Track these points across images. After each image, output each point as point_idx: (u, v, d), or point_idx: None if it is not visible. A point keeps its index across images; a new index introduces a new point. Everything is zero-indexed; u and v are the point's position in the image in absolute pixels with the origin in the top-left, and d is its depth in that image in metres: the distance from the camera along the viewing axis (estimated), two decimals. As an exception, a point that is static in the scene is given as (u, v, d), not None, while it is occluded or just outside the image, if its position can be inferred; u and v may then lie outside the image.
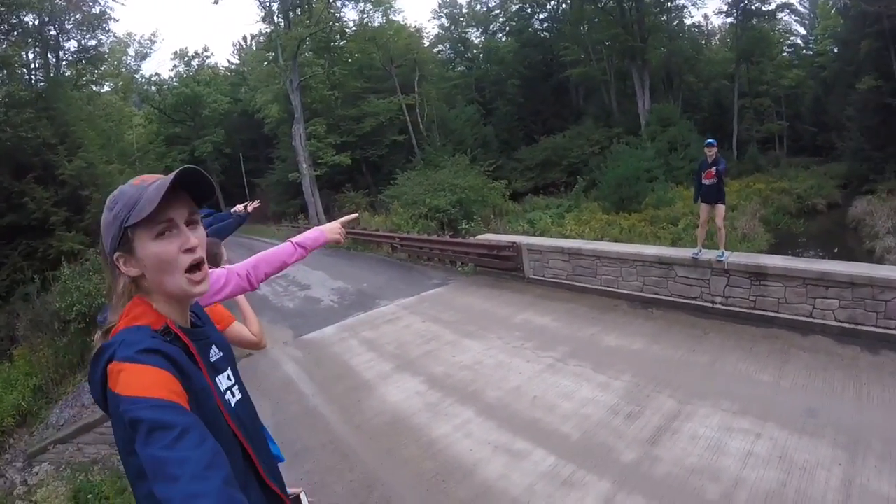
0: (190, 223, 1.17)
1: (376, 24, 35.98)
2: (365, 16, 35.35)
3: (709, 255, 7.04)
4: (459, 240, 12.57)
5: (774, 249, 17.18)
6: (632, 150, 26.21)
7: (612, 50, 35.38)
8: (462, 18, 46.61)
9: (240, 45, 51.92)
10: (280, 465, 1.97)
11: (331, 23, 31.47)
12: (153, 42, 37.85)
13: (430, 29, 47.81)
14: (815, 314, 6.08)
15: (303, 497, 1.53)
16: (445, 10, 46.11)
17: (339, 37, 34.07)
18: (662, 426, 4.37)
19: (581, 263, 8.73)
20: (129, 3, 61.27)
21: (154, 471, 0.89)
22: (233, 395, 1.29)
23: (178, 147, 42.59)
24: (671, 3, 35.88)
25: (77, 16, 22.85)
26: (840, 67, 33.64)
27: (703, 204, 7.16)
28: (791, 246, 19.03)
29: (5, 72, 19.29)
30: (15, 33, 19.98)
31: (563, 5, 40.10)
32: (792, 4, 39.53)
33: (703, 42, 44.76)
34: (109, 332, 1.14)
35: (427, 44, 43.26)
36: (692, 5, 37.35)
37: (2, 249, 16.07)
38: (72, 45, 23.84)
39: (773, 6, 35.29)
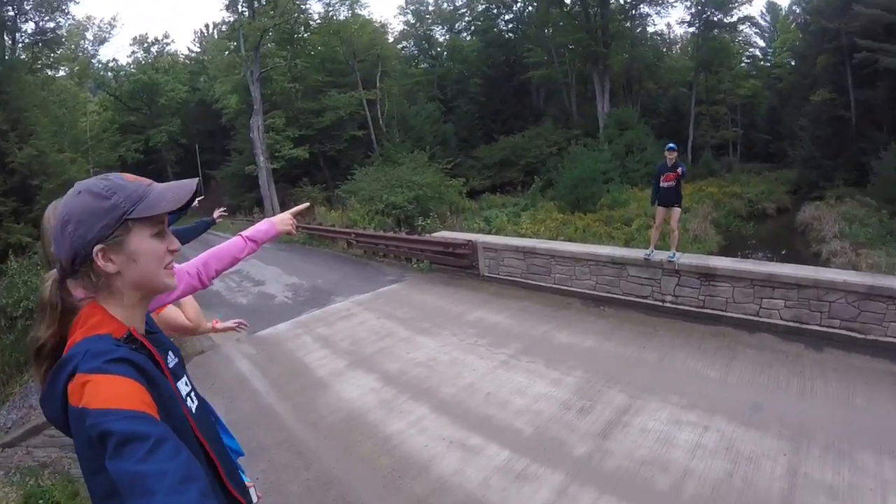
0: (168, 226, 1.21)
1: (342, 17, 35.55)
2: (330, 9, 34.90)
3: (660, 255, 7.29)
4: (415, 237, 12.61)
5: (725, 251, 17.79)
6: (589, 152, 26.71)
7: (575, 53, 36.00)
8: (428, 16, 46.52)
9: (201, 32, 50.61)
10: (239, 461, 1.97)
11: (296, 14, 30.96)
12: (112, 26, 36.46)
13: (396, 25, 47.95)
14: (762, 313, 6.41)
15: (252, 492, 1.49)
16: (412, 7, 45.96)
17: (303, 29, 33.56)
18: (613, 420, 4.53)
19: (535, 262, 8.89)
20: (90, -15, 58.72)
21: (129, 486, 0.84)
22: (192, 400, 1.29)
23: (132, 136, 41.13)
24: (635, 10, 36.72)
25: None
26: (796, 80, 35.24)
27: (659, 206, 7.37)
28: (741, 248, 19.79)
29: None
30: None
31: (529, 7, 40.44)
32: (753, 17, 41.47)
33: (665, 50, 46.11)
34: (43, 338, 1.12)
35: (391, 39, 43.12)
36: (656, 14, 38.61)
37: (-54, 241, 15.32)
38: (29, 26, 22.99)
39: (734, 18, 36.63)
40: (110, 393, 0.94)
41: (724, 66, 37.80)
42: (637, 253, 7.77)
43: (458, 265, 10.48)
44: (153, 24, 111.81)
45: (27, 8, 22.10)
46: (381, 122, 34.75)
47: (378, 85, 34.68)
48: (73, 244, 1.07)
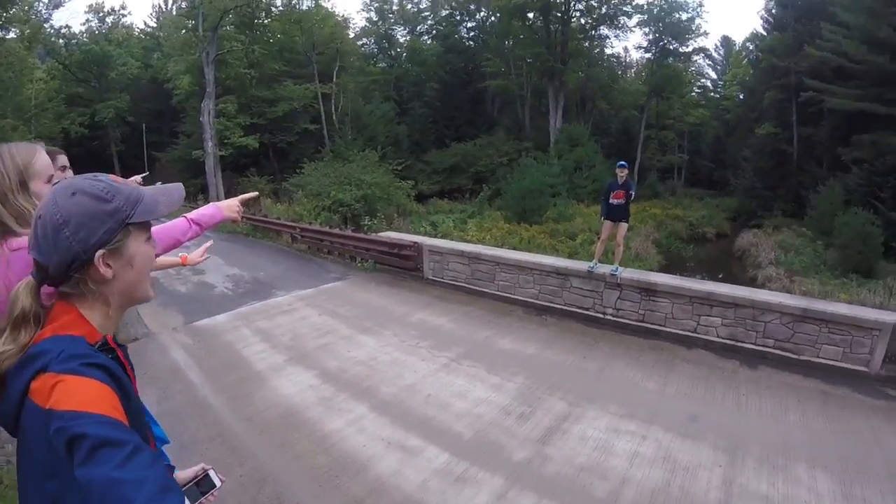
0: None
1: (304, 6, 34.95)
2: (295, -4, 34.33)
3: (604, 269, 7.56)
4: (361, 235, 12.55)
5: (664, 270, 18.32)
6: (539, 165, 27.27)
7: (533, 67, 36.84)
8: (391, 15, 46.39)
9: (160, 7, 48.59)
10: (168, 453, 1.92)
11: (259, -1, 30.27)
12: None
13: (358, 21, 47.37)
14: (700, 330, 6.76)
15: (212, 474, 1.48)
16: (375, 5, 45.69)
17: (264, 14, 32.77)
18: (553, 427, 4.65)
19: (480, 268, 9.02)
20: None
21: (102, 492, 0.80)
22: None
23: (78, 109, 38.80)
24: (595, 31, 37.90)
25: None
26: (743, 112, 37.28)
27: (606, 221, 7.66)
28: (680, 269, 20.56)
29: None
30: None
31: (492, 18, 41.01)
32: (707, 50, 43.70)
33: (620, 73, 47.80)
34: (19, 331, 1.04)
35: (352, 35, 42.65)
36: (615, 37, 40.03)
37: None
38: None
39: (689, 49, 38.29)
40: (84, 396, 0.91)
41: (675, 93, 39.59)
42: (581, 265, 8.02)
43: (402, 266, 10.50)
44: None
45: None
46: (334, 117, 34.33)
47: (335, 79, 34.27)
48: (71, 249, 1.01)
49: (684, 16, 36.21)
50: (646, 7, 36.22)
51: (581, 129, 33.83)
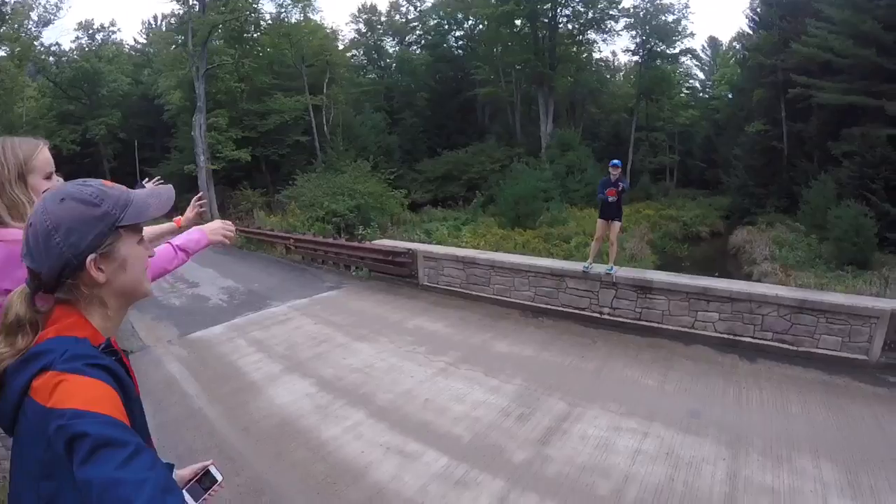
0: None
1: (293, 20, 35.08)
2: (282, 10, 34.37)
3: (599, 268, 7.53)
4: (355, 244, 12.51)
5: (659, 270, 18.34)
6: (531, 170, 27.35)
7: (522, 74, 37.01)
8: (380, 26, 46.72)
9: (149, 23, 48.54)
10: None
11: (247, 12, 30.25)
12: (59, 8, 33.97)
13: (347, 32, 47.60)
14: (697, 325, 6.73)
15: (213, 470, 1.46)
16: (364, 16, 46.04)
17: (253, 28, 32.79)
18: (553, 427, 4.59)
19: (475, 272, 8.99)
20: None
21: (101, 492, 0.79)
22: None
23: (69, 126, 38.60)
24: (583, 36, 38.17)
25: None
26: (733, 111, 37.24)
27: (599, 220, 7.65)
28: (675, 268, 20.37)
29: None
30: None
31: (480, 26, 41.21)
32: (694, 50, 43.80)
33: (609, 76, 47.95)
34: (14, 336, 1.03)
35: (341, 47, 42.73)
36: (602, 41, 40.14)
37: None
38: None
39: (676, 50, 38.67)
40: (88, 395, 0.90)
41: (664, 95, 39.83)
42: (576, 265, 8.00)
43: (397, 274, 10.46)
44: (100, 10, 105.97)
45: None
46: (325, 129, 34.37)
47: (325, 91, 34.31)
48: (62, 255, 1.01)
49: (670, 18, 36.65)
50: (632, 10, 36.66)
51: (572, 134, 33.97)
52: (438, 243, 18.28)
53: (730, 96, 41.61)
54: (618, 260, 7.93)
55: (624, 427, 4.55)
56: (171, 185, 1.21)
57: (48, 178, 1.79)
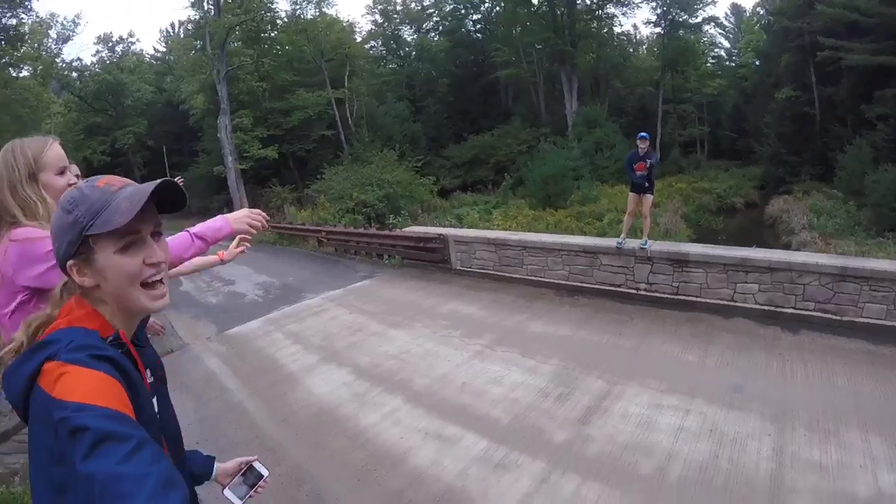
0: (155, 234, 1.09)
1: (309, 16, 35.16)
2: (297, 7, 34.48)
3: (633, 244, 7.33)
4: (386, 232, 12.50)
5: (695, 243, 17.98)
6: (558, 150, 26.98)
7: (543, 53, 36.23)
8: (396, 16, 46.43)
9: (167, 31, 49.45)
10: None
11: (262, 12, 30.46)
12: (76, 24, 35.16)
13: (364, 24, 47.45)
14: (737, 298, 6.50)
15: (258, 465, 1.44)
16: (379, 7, 45.77)
17: (269, 27, 33.01)
18: (593, 406, 4.49)
19: (507, 254, 8.87)
20: (53, -19, 56.35)
21: (103, 486, 0.78)
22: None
23: (97, 138, 39.88)
24: (602, 10, 37.09)
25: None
26: (760, 78, 36.02)
27: (631, 194, 7.44)
28: (711, 241, 19.88)
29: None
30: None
31: (497, 8, 40.63)
32: (717, 18, 42.21)
33: (631, 50, 46.73)
34: (38, 330, 1.06)
35: (359, 39, 42.68)
36: (622, 14, 39.12)
37: None
38: None
39: (699, 19, 37.41)
40: (89, 387, 0.88)
41: (689, 65, 38.53)
42: (609, 242, 7.82)
43: (429, 259, 10.42)
44: (118, 23, 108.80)
45: (-14, 3, 21.15)
46: (349, 121, 34.44)
47: (346, 84, 34.34)
48: (56, 259, 1.06)
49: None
50: (650, -20, 35.44)
51: (598, 111, 33.31)
52: (470, 227, 18.23)
53: (757, 63, 40.23)
54: (652, 235, 7.71)
55: (665, 404, 4.42)
56: (156, 182, 1.06)
57: (61, 173, 1.80)
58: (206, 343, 7.45)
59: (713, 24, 41.48)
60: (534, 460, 3.82)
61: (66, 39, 34.59)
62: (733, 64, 46.23)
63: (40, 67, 29.94)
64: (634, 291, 7.37)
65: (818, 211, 20.07)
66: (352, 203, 19.98)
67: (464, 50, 41.98)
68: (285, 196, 28.27)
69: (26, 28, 24.99)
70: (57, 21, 33.73)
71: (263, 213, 2.01)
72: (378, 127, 33.69)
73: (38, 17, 27.87)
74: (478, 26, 44.28)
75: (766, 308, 6.29)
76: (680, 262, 6.90)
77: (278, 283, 10.92)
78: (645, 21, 54.04)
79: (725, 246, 7.55)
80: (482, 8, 42.95)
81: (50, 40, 33.60)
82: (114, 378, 0.92)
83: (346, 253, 13.50)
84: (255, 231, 1.92)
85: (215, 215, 2.46)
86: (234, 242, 2.41)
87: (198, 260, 2.48)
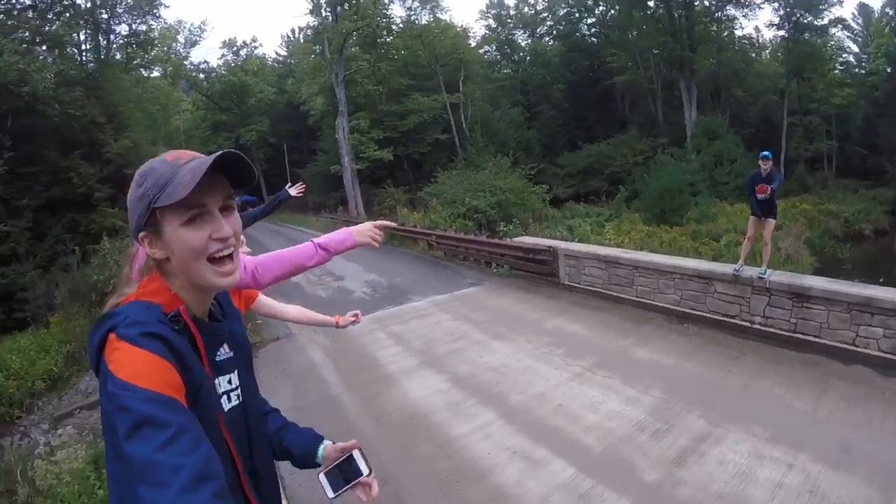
0: (224, 209, 1.07)
1: (423, 21, 36.05)
2: (412, 13, 35.49)
3: (750, 272, 6.74)
4: (496, 241, 12.44)
5: (818, 274, 16.45)
6: (676, 163, 25.73)
7: (660, 58, 34.73)
8: (509, 20, 46.45)
9: (288, 37, 53.01)
10: None
11: (378, 19, 31.64)
12: (203, 30, 38.93)
13: (477, 29, 47.58)
14: (858, 342, 5.71)
15: (357, 456, 1.34)
16: (493, 12, 46.02)
17: (385, 32, 34.23)
18: (689, 447, 4.16)
19: (618, 272, 8.51)
20: (179, -8, 62.06)
21: (140, 469, 0.81)
22: (229, 400, 1.17)
23: (223, 134, 43.60)
24: (722, 13, 34.71)
25: (128, 1, 23.55)
26: (892, 87, 31.99)
27: (752, 217, 6.86)
28: (835, 272, 18.11)
29: (56, 51, 20.03)
30: (67, 14, 20.65)
31: (612, 11, 39.28)
32: (845, 20, 37.50)
33: (753, 55, 43.00)
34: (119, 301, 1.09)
35: (473, 44, 43.17)
36: (743, 16, 35.96)
37: (46, 221, 16.68)
38: (122, 28, 24.55)
39: (825, 21, 33.81)
40: (136, 367, 0.90)
41: (816, 72, 34.61)
42: (725, 268, 7.22)
43: (538, 272, 10.25)
44: (241, 29, 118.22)
45: (119, 11, 23.63)
46: (464, 126, 34.88)
47: (461, 89, 34.82)
48: (130, 229, 1.09)
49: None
50: (772, -20, 32.58)
51: (718, 121, 31.19)
52: (581, 240, 17.77)
53: (888, 71, 35.14)
54: (772, 262, 7.04)
55: (767, 455, 3.98)
56: (214, 155, 1.02)
57: None
58: (312, 335, 7.77)
59: (840, 25, 37.03)
60: (619, 497, 3.59)
61: (193, 44, 38.00)
62: (863, 71, 40.92)
63: (170, 69, 33.11)
64: (748, 324, 6.75)
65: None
66: (463, 208, 20.12)
67: (579, 55, 41.07)
68: (398, 197, 29.09)
69: (156, 33, 27.57)
70: (184, 27, 37.12)
71: (389, 224, 2.03)
72: (492, 132, 33.82)
73: (166, 23, 30.72)
74: (592, 30, 43.12)
75: (888, 357, 5.45)
76: (801, 297, 6.21)
77: (386, 283, 11.21)
78: (767, 23, 49.94)
79: (850, 282, 6.70)
80: (597, 11, 41.76)
81: (178, 44, 37.05)
82: (161, 357, 0.93)
83: (454, 258, 13.61)
84: (376, 245, 1.91)
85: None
86: (350, 314, 2.79)
87: (316, 317, 2.91)
